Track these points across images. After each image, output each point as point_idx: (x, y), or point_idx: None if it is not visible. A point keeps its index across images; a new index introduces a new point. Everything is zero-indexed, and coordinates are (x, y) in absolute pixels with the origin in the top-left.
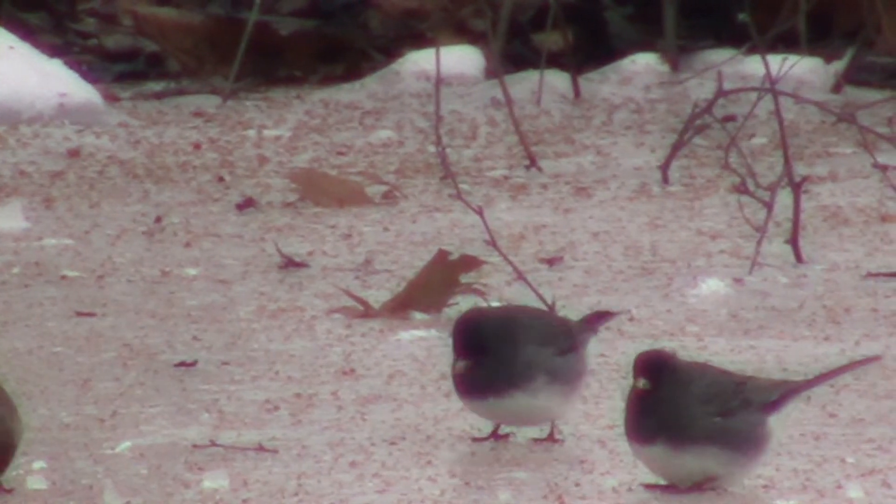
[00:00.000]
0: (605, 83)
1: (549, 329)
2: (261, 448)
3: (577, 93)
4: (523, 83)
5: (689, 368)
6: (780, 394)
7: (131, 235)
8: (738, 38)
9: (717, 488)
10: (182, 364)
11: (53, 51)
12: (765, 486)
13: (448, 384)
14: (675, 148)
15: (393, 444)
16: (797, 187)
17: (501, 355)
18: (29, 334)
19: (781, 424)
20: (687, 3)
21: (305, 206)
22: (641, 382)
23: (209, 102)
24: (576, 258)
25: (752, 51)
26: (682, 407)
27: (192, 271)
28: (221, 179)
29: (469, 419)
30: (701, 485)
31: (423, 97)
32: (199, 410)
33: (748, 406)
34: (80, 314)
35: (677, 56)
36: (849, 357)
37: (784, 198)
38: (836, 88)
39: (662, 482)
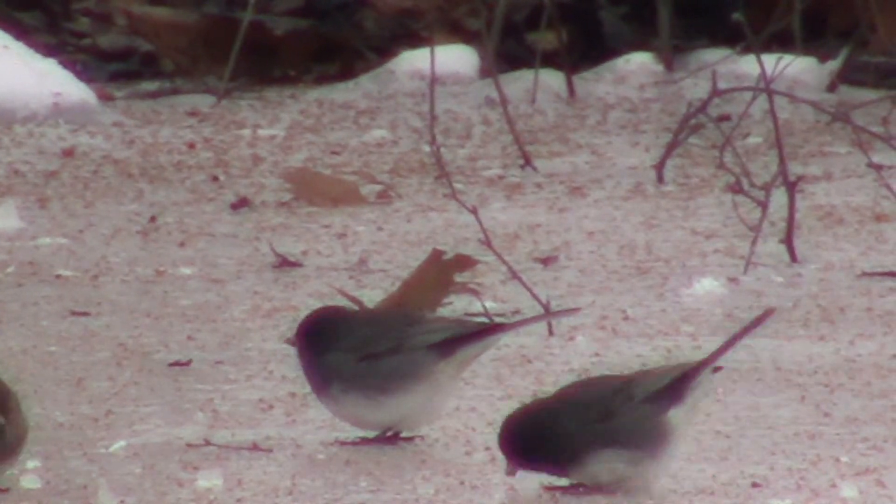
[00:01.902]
0: (600, 82)
1: (363, 332)
2: (255, 447)
3: (571, 92)
4: (518, 82)
5: (564, 390)
6: (669, 380)
7: (126, 235)
8: (732, 38)
9: (632, 488)
10: (176, 363)
11: (48, 50)
12: (759, 486)
13: None
14: (670, 147)
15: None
16: (792, 187)
17: (314, 358)
18: (23, 333)
19: (687, 412)
20: (681, 3)
21: (300, 206)
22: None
23: (203, 102)
24: (570, 258)
25: (746, 50)
26: (561, 425)
27: (186, 271)
28: (216, 179)
29: (463, 418)
30: (612, 488)
31: (417, 96)
32: (194, 410)
33: (631, 402)
34: (74, 313)
35: (672, 55)
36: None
37: (779, 197)
38: (831, 88)
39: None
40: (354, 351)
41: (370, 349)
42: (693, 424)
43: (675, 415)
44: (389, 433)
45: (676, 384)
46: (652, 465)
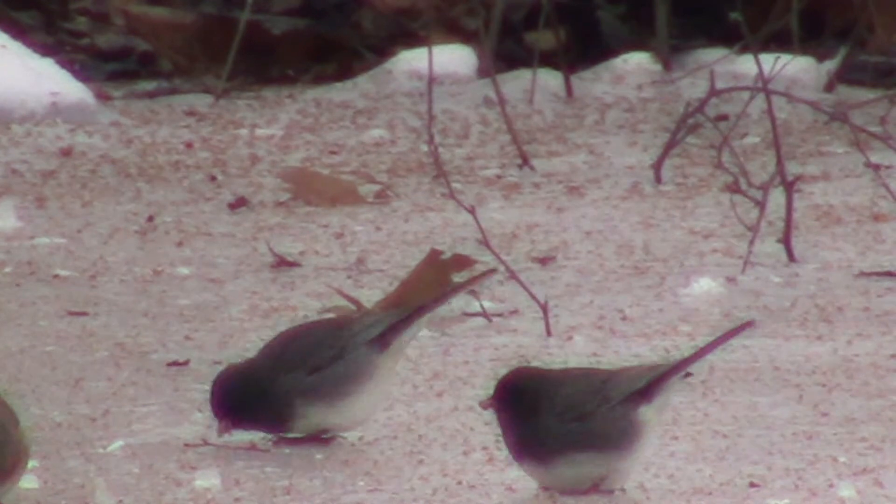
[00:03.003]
0: (598, 82)
1: (305, 347)
2: (253, 447)
3: (569, 92)
4: (516, 82)
5: (544, 383)
6: (646, 381)
7: (123, 234)
8: (730, 38)
9: (608, 488)
10: (174, 363)
11: (45, 50)
12: (757, 485)
13: (440, 383)
14: (668, 147)
15: (385, 443)
16: (790, 186)
17: (270, 382)
18: (21, 333)
19: (657, 411)
20: (679, 3)
21: (298, 206)
22: (487, 402)
23: (201, 101)
24: (568, 257)
25: (744, 50)
26: (536, 423)
27: (184, 270)
28: (214, 178)
29: (461, 418)
30: (587, 488)
31: (415, 96)
32: (192, 410)
33: (608, 402)
34: (72, 313)
35: (670, 55)
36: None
37: (776, 197)
38: (829, 87)
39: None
40: (300, 367)
41: (317, 360)
42: (661, 423)
43: (645, 413)
44: (325, 435)
45: (649, 384)
46: (622, 464)
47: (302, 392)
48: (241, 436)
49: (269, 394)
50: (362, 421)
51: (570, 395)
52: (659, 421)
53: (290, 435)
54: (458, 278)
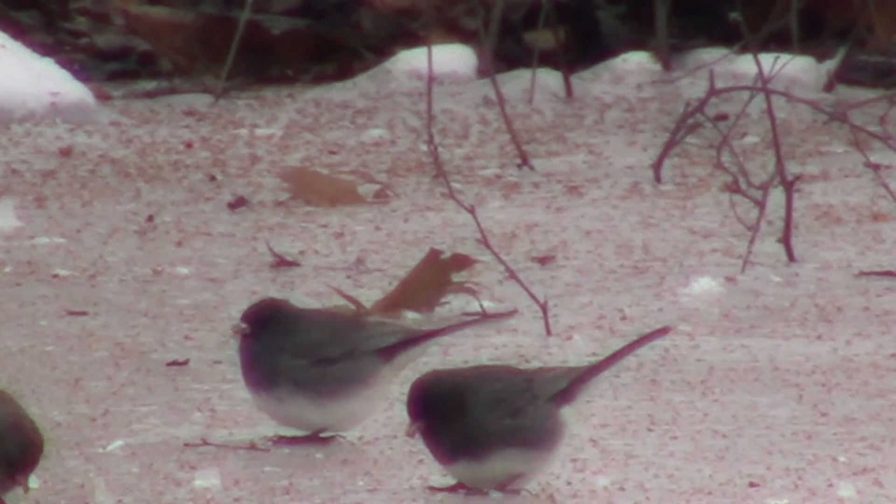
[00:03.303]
0: (597, 82)
1: (315, 335)
2: (252, 447)
3: (569, 92)
4: (515, 82)
5: (464, 384)
6: (568, 382)
7: (123, 234)
8: (730, 37)
9: (521, 486)
10: (174, 363)
11: (45, 49)
12: (756, 485)
13: None
14: (667, 147)
15: (384, 442)
16: (789, 186)
17: (262, 355)
18: (21, 333)
19: (574, 413)
20: (679, 2)
21: (297, 205)
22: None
23: (201, 101)
24: (568, 257)
25: (744, 50)
26: (468, 421)
27: (183, 270)
28: (213, 178)
29: None
30: (504, 484)
31: (414, 96)
32: (191, 409)
33: (536, 400)
34: (71, 313)
35: (669, 55)
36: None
37: (776, 196)
38: (828, 87)
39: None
40: (307, 356)
41: (324, 353)
42: (577, 423)
43: (567, 413)
44: (323, 434)
45: (570, 385)
46: (543, 463)
47: (296, 380)
48: (241, 435)
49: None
50: (347, 425)
51: (498, 391)
52: (575, 422)
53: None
54: (457, 278)
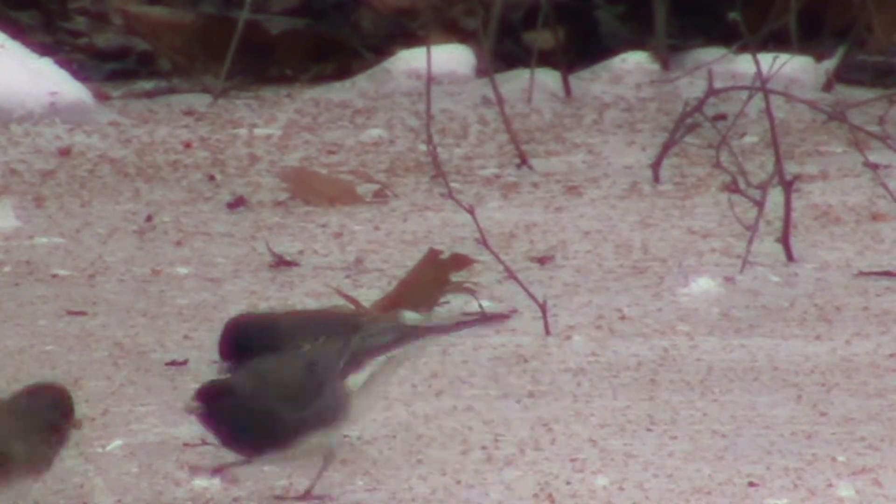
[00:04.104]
0: (596, 82)
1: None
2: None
3: (567, 91)
4: (514, 82)
5: (251, 378)
6: (349, 356)
7: (122, 234)
8: (728, 37)
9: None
10: (173, 363)
11: (44, 49)
12: (755, 485)
13: (439, 383)
14: (666, 147)
15: (383, 442)
16: (788, 186)
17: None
18: (20, 333)
19: (365, 377)
20: (678, 2)
21: (296, 205)
22: (195, 406)
23: (200, 101)
24: (567, 257)
25: (742, 49)
26: (268, 416)
27: (183, 270)
28: (212, 178)
29: (460, 418)
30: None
31: (413, 96)
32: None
33: (321, 383)
34: (71, 313)
35: (668, 55)
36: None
37: (775, 196)
38: (827, 87)
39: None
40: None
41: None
42: (373, 396)
43: (354, 381)
44: None
45: (353, 357)
46: (338, 433)
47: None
48: None
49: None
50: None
51: (286, 384)
52: (369, 393)
53: None
54: (456, 278)
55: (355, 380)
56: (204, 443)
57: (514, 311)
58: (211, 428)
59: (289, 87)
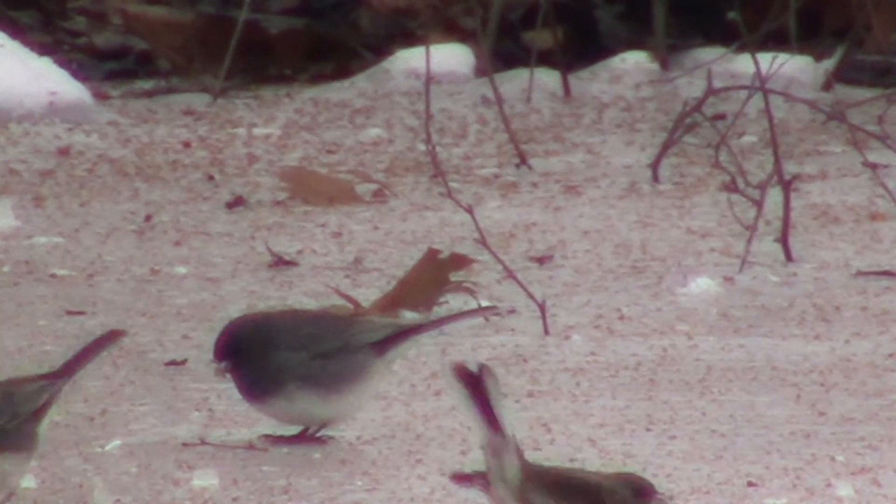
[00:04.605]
0: (595, 81)
1: (307, 331)
2: (250, 446)
3: (567, 91)
4: (513, 81)
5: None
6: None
7: (121, 234)
8: (727, 37)
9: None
10: (172, 362)
11: (43, 49)
12: (754, 485)
13: (438, 383)
14: (665, 146)
15: (383, 442)
16: (787, 186)
17: (258, 361)
18: (19, 333)
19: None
20: (677, 2)
21: (295, 205)
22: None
23: (199, 101)
24: (566, 257)
25: (741, 49)
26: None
27: (181, 270)
28: (211, 178)
29: (459, 418)
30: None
31: (412, 95)
32: (189, 409)
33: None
34: (70, 313)
35: (667, 54)
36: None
37: (774, 196)
38: (826, 87)
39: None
40: (304, 349)
41: (320, 348)
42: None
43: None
44: (310, 432)
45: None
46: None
47: (298, 375)
48: (239, 435)
49: (266, 361)
50: (344, 419)
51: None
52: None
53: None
54: (455, 277)
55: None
56: (203, 442)
57: (513, 310)
58: None
59: (288, 86)
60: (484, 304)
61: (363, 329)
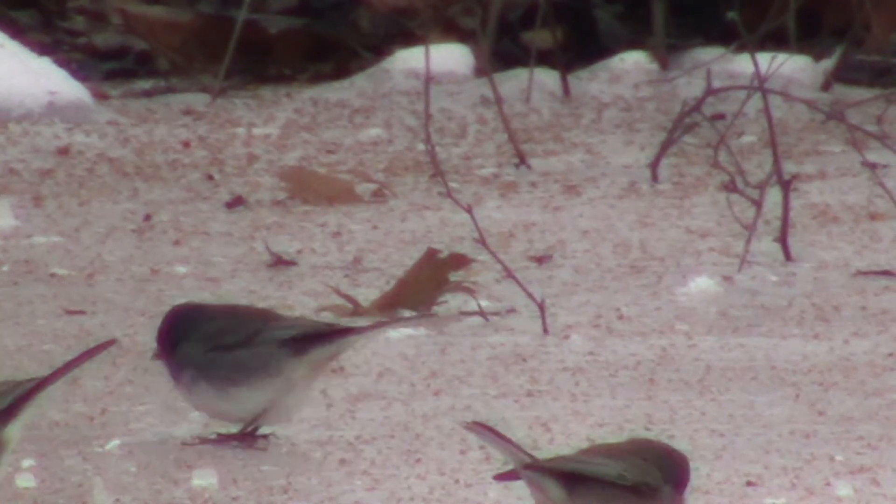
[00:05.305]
0: (595, 81)
1: (217, 324)
2: (250, 446)
3: (566, 91)
4: (513, 81)
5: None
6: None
7: (121, 233)
8: (727, 37)
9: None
10: None
11: (43, 49)
12: (754, 484)
13: (438, 382)
14: (665, 146)
15: (382, 441)
16: (786, 185)
17: (171, 350)
18: (19, 332)
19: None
20: (676, 2)
21: (295, 205)
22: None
23: (198, 100)
24: (565, 256)
25: (741, 49)
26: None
27: (181, 269)
28: (211, 177)
29: (458, 417)
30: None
31: (412, 95)
32: (189, 408)
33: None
34: (69, 312)
35: (666, 54)
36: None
37: (773, 196)
38: (825, 86)
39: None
40: (206, 341)
41: (221, 341)
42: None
43: (11, 430)
44: (249, 429)
45: (16, 401)
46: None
47: (196, 365)
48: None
49: (174, 351)
50: (265, 417)
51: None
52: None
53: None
54: (455, 277)
55: (13, 427)
56: (202, 442)
57: (513, 310)
58: None
59: (287, 86)
60: (483, 304)
61: (278, 326)
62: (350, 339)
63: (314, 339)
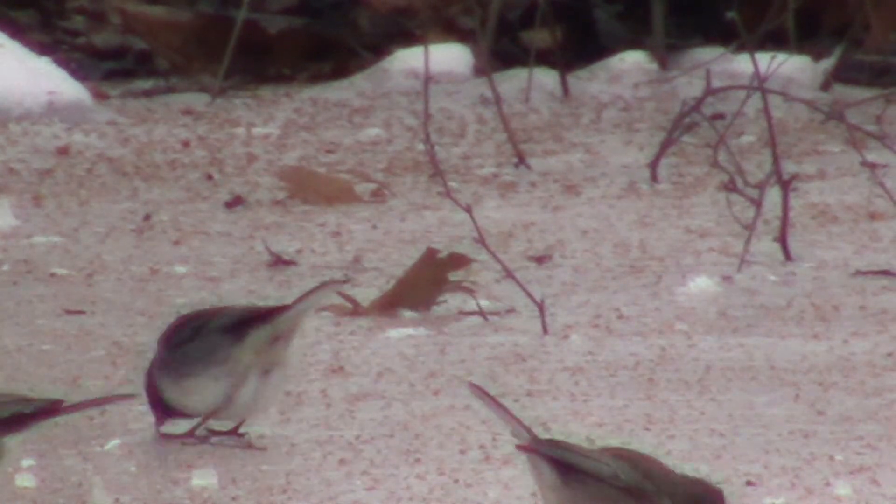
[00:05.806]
0: (594, 81)
1: (179, 322)
2: (250, 445)
3: (565, 91)
4: (512, 81)
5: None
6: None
7: (120, 233)
8: (726, 36)
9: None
10: None
11: (42, 49)
12: (753, 484)
13: (437, 382)
14: (664, 146)
15: (381, 441)
16: (786, 185)
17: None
18: (18, 332)
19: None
20: (675, 1)
21: (294, 204)
22: None
23: (198, 100)
24: (564, 256)
25: (740, 49)
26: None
27: (181, 269)
28: (210, 177)
29: (458, 417)
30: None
31: (411, 95)
32: None
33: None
34: (69, 312)
35: (666, 54)
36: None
37: (773, 196)
38: (825, 86)
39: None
40: (167, 343)
41: (177, 339)
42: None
43: (10, 442)
44: (197, 426)
45: (21, 417)
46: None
47: (160, 366)
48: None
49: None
50: (215, 409)
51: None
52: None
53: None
54: (454, 277)
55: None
56: (202, 442)
57: (512, 310)
58: None
59: (287, 86)
60: (483, 303)
61: (222, 315)
62: (284, 317)
63: (251, 321)
